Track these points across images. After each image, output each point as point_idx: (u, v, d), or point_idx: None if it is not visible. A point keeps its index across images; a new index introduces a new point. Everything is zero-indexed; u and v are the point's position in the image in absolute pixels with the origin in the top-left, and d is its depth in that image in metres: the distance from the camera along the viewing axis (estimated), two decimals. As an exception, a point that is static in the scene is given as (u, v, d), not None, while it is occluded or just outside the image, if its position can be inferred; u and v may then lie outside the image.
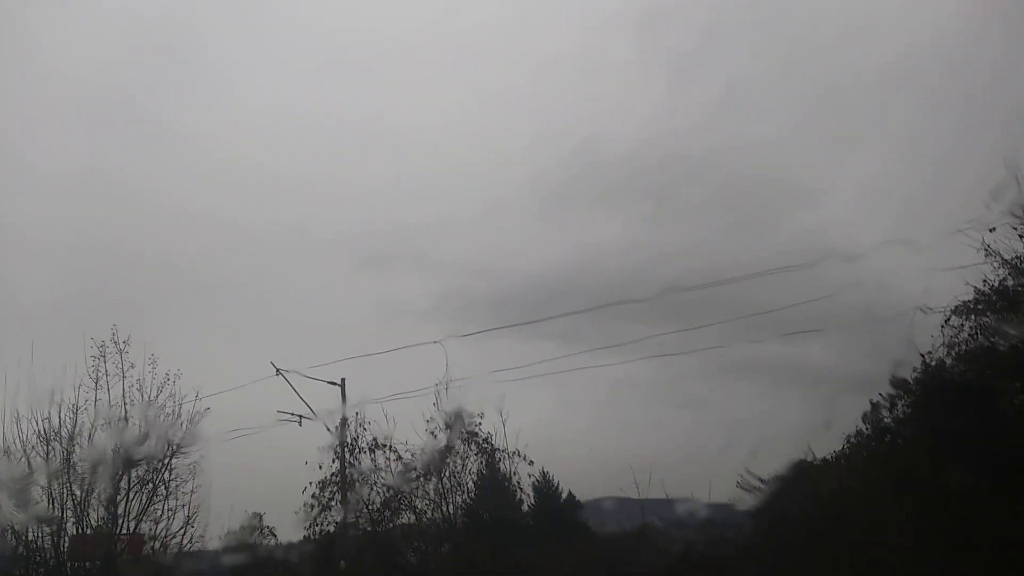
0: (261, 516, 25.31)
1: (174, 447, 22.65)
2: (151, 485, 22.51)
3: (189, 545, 22.12)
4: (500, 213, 57.58)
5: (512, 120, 68.78)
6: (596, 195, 60.10)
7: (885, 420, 17.29)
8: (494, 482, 24.46)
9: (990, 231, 16.51)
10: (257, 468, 25.91)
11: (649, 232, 54.22)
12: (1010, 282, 16.14)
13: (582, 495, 27.34)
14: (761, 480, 22.27)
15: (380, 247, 59.72)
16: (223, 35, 71.49)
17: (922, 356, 16.86)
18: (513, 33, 72.24)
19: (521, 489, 24.57)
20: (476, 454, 24.23)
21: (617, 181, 58.37)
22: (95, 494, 21.43)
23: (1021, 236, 15.94)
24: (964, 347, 16.37)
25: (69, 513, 21.12)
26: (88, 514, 21.16)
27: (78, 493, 21.25)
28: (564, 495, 27.53)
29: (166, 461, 22.72)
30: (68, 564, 21.33)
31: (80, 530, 21.26)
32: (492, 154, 65.43)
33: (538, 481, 26.71)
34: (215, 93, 65.93)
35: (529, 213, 60.45)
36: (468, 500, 24.36)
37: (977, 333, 16.35)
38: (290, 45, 70.96)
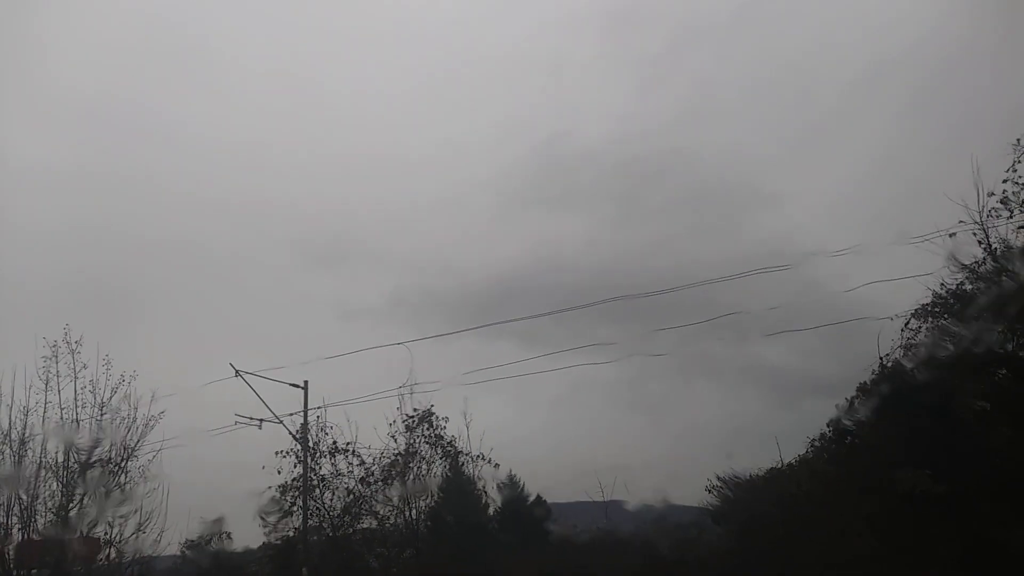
0: (220, 521, 24.88)
1: (129, 450, 22.01)
2: (105, 489, 21.88)
3: (143, 551, 21.45)
4: (460, 209, 57.44)
5: (475, 115, 68.74)
6: (559, 194, 60.23)
7: (845, 423, 17.34)
8: (459, 485, 24.17)
9: (950, 236, 16.68)
10: (216, 472, 25.38)
11: (612, 232, 54.44)
12: (968, 286, 16.24)
13: (547, 498, 27.21)
14: (726, 484, 22.37)
15: (334, 243, 59.13)
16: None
17: (880, 359, 16.96)
18: (478, 27, 72.35)
19: (486, 493, 24.33)
20: (441, 458, 23.94)
21: (580, 180, 58.65)
22: (41, 500, 20.72)
23: (980, 243, 16.06)
24: (922, 350, 16.46)
25: (15, 519, 20.39)
26: (36, 520, 20.46)
27: (25, 498, 20.55)
28: (530, 498, 27.37)
29: (122, 464, 22.08)
30: (15, 572, 20.61)
31: (26, 536, 20.57)
32: (453, 149, 65.28)
33: (503, 484, 26.55)
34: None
35: (490, 210, 60.42)
36: (432, 504, 24.05)
37: (935, 336, 16.44)
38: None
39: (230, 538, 25.16)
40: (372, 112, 70.31)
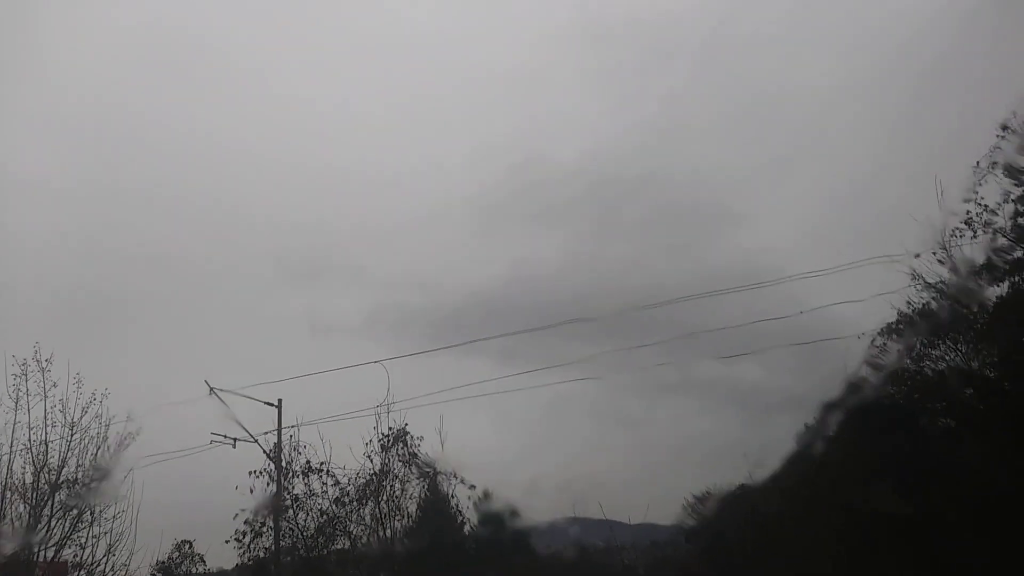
0: (191, 543, 24.60)
1: (99, 471, 21.72)
2: (75, 511, 21.56)
3: (113, 574, 21.13)
4: (437, 227, 57.41)
5: (452, 133, 68.97)
6: (536, 212, 60.54)
7: (815, 441, 17.50)
8: (435, 505, 24.04)
9: (916, 257, 16.97)
10: (189, 492, 25.06)
11: (589, 251, 54.50)
12: (933, 305, 16.53)
13: (523, 515, 27.10)
14: (700, 502, 22.46)
15: (310, 258, 58.80)
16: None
17: (849, 377, 17.14)
18: (456, 46, 72.89)
19: (461, 513, 24.17)
20: (417, 477, 23.80)
21: (557, 199, 59.00)
22: (7, 521, 20.38)
23: (942, 262, 16.36)
24: (888, 369, 16.69)
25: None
26: (2, 543, 20.08)
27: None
28: (506, 516, 27.27)
29: (91, 485, 21.79)
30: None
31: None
32: (430, 166, 65.39)
33: (480, 503, 26.43)
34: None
35: (468, 227, 60.42)
36: (409, 524, 23.88)
37: (903, 355, 16.69)
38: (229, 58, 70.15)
39: (203, 560, 24.90)
40: (350, 128, 70.43)
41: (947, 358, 16.74)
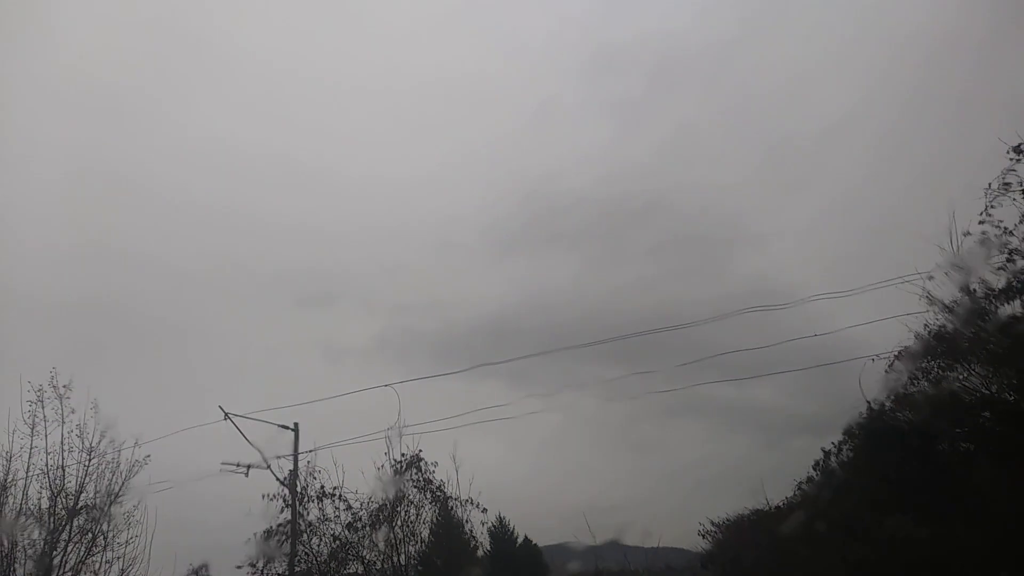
0: (206, 567, 24.55)
1: (113, 496, 21.80)
2: (91, 536, 21.61)
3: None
4: (450, 251, 57.82)
5: (463, 157, 69.71)
6: (546, 235, 60.89)
7: (832, 466, 17.32)
8: (449, 530, 23.88)
9: (929, 279, 16.80)
10: (204, 515, 25.05)
11: (599, 274, 54.67)
12: (949, 328, 16.34)
13: (537, 540, 26.97)
14: (716, 526, 22.24)
15: (324, 286, 59.24)
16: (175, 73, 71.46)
17: (867, 402, 17.00)
18: (467, 68, 73.76)
19: (474, 537, 24.00)
20: (431, 502, 23.64)
21: (567, 222, 59.38)
22: (21, 547, 20.43)
23: (958, 285, 16.17)
24: (903, 391, 16.51)
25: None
26: (15, 569, 20.11)
27: (6, 544, 20.25)
28: (520, 540, 27.12)
29: (106, 510, 21.85)
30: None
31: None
32: (440, 192, 65.93)
33: (494, 527, 26.26)
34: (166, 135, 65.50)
35: (480, 251, 60.80)
36: (422, 549, 23.71)
37: (918, 378, 16.50)
38: (242, 84, 71.46)
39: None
40: (364, 149, 71.29)
41: (964, 381, 16.49)
